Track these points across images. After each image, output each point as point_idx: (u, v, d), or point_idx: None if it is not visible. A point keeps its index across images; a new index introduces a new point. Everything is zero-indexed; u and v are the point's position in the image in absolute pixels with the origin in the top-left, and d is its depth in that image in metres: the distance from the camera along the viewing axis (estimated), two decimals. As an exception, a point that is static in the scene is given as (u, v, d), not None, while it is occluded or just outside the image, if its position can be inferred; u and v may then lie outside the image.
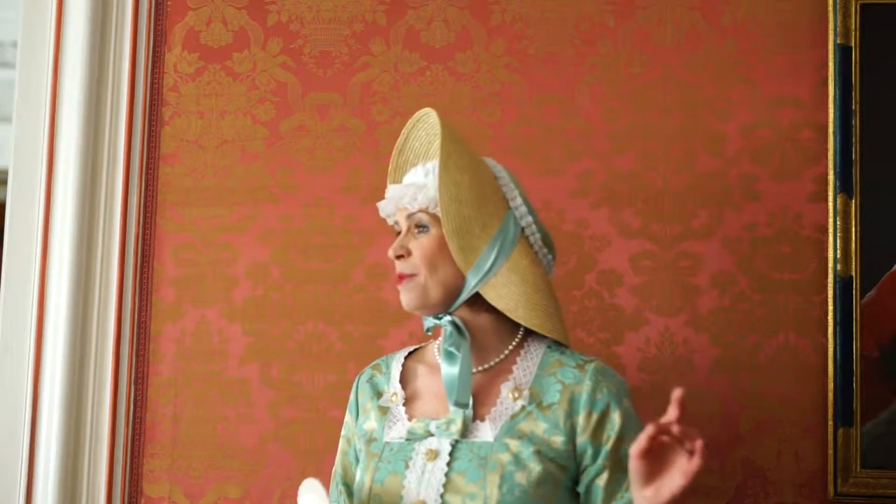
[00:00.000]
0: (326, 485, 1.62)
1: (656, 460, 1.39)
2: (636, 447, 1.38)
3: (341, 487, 1.74)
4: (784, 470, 2.03)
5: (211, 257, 2.23)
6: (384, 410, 1.69)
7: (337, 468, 1.77)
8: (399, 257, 1.66)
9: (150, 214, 2.25)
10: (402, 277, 1.66)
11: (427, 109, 1.73)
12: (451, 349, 1.62)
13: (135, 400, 2.21)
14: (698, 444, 1.33)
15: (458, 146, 1.65)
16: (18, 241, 2.24)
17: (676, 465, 1.37)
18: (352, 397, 1.77)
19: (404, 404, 1.67)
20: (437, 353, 1.71)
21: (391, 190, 1.72)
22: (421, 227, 1.66)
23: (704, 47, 2.14)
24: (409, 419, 1.64)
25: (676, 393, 1.35)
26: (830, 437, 2.00)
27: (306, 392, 2.17)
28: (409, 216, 1.67)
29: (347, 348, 2.17)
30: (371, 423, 1.70)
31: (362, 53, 2.24)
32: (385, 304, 2.17)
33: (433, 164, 1.67)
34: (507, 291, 1.62)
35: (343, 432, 1.78)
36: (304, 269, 2.20)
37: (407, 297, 1.65)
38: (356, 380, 1.78)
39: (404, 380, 1.72)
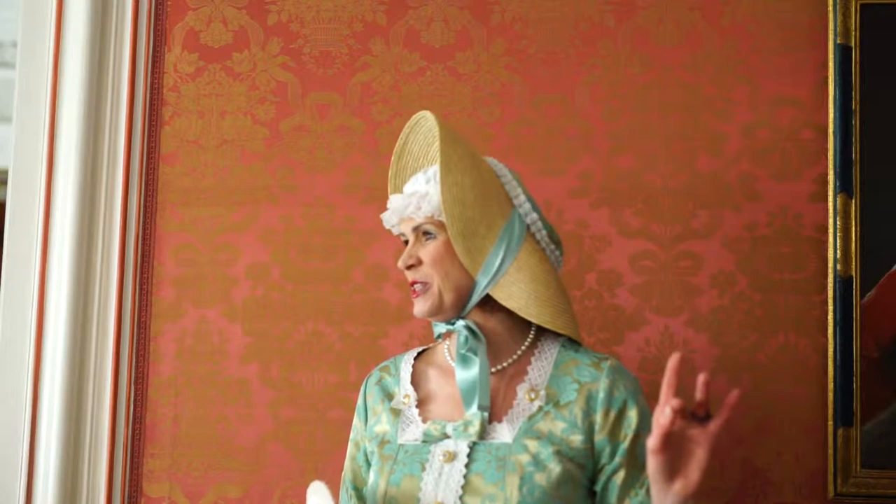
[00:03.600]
0: (330, 484, 1.61)
1: (675, 452, 1.34)
2: (653, 441, 1.33)
3: (352, 492, 1.73)
4: (784, 470, 2.03)
5: (211, 257, 2.23)
6: (396, 412, 1.67)
7: (346, 473, 1.76)
8: (409, 267, 1.65)
9: (150, 214, 2.25)
10: (415, 291, 1.65)
11: (423, 113, 1.72)
12: (468, 354, 1.61)
13: (135, 400, 2.21)
14: (732, 395, 1.30)
15: (457, 147, 1.63)
16: (18, 241, 2.24)
17: (693, 440, 1.33)
18: (360, 401, 1.76)
19: (417, 406, 1.67)
20: (447, 356, 1.71)
21: (393, 200, 1.70)
22: (427, 235, 1.66)
23: (704, 47, 2.14)
24: (423, 421, 1.64)
25: (673, 360, 1.33)
26: (830, 437, 2.00)
27: (306, 392, 2.17)
28: (415, 227, 1.66)
29: (347, 348, 2.17)
30: (383, 425, 1.68)
31: (362, 53, 2.24)
32: (385, 304, 2.17)
33: (434, 171, 1.66)
34: (517, 290, 1.61)
35: (351, 435, 1.77)
36: (304, 269, 2.20)
37: (422, 307, 1.65)
38: (364, 382, 1.77)
39: (415, 381, 1.71)
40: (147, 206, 2.25)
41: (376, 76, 2.23)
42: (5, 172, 2.31)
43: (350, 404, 2.14)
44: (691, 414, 1.34)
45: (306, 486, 2.13)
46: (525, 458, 1.54)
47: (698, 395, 1.33)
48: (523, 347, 1.67)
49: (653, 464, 1.35)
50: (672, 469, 1.34)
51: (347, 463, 1.76)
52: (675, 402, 1.31)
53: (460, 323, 1.64)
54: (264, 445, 2.17)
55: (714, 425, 1.32)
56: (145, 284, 2.24)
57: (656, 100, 2.14)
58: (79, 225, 2.20)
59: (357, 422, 1.76)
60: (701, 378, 1.32)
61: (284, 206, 2.22)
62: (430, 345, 1.81)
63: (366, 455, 1.72)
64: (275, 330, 2.19)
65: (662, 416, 1.32)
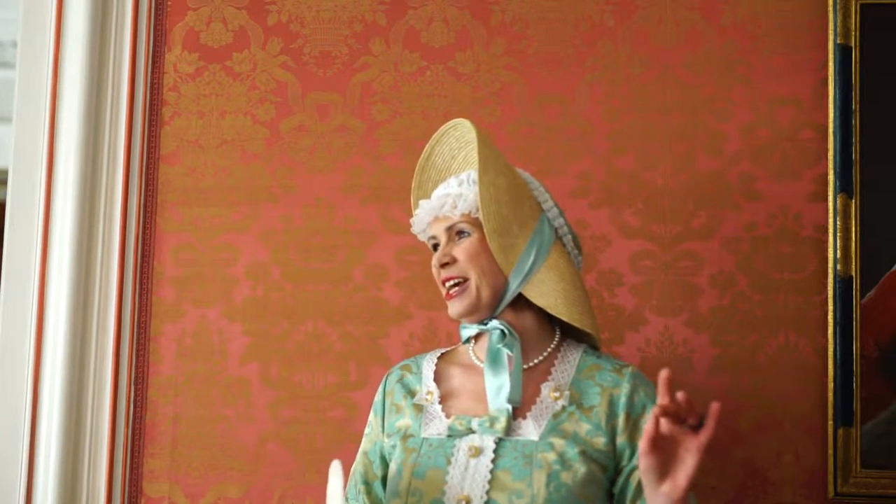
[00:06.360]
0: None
1: (667, 455, 1.42)
2: (642, 444, 1.41)
3: (360, 486, 1.74)
4: (784, 470, 2.03)
5: (211, 257, 2.23)
6: (419, 408, 1.69)
7: (357, 466, 1.77)
8: (444, 265, 1.68)
9: (150, 214, 2.25)
10: (450, 294, 1.68)
11: (456, 121, 1.77)
12: (504, 349, 1.65)
13: (135, 400, 2.21)
14: (713, 408, 1.37)
15: (493, 151, 1.70)
16: (18, 241, 2.24)
17: (684, 446, 1.40)
18: (378, 397, 1.78)
19: (440, 402, 1.69)
20: (472, 355, 1.74)
21: (425, 204, 1.75)
22: (461, 234, 1.70)
23: (704, 47, 2.14)
24: (447, 417, 1.66)
25: (663, 373, 1.39)
26: (830, 437, 2.00)
27: (306, 392, 2.17)
28: (449, 227, 1.70)
29: (347, 348, 2.17)
30: (406, 420, 1.70)
31: (362, 53, 2.24)
32: (385, 304, 2.17)
33: (467, 174, 1.72)
34: (547, 289, 1.66)
35: (366, 430, 1.79)
36: (304, 269, 2.20)
37: (459, 306, 1.68)
38: (383, 380, 1.79)
39: (438, 379, 1.73)
40: (147, 206, 2.25)
41: (376, 76, 2.23)
42: (5, 172, 2.31)
43: (350, 404, 2.14)
44: (683, 421, 1.40)
45: (306, 486, 2.14)
46: (552, 457, 1.56)
47: (682, 409, 1.40)
48: (550, 347, 1.71)
49: (643, 464, 1.43)
50: (663, 470, 1.42)
51: (359, 457, 1.77)
52: (656, 409, 1.39)
53: (494, 323, 1.68)
54: (264, 445, 2.17)
55: (703, 436, 1.39)
56: (145, 284, 2.24)
57: (656, 100, 2.14)
58: (79, 225, 2.20)
59: (373, 418, 1.77)
60: (679, 396, 1.39)
61: (284, 206, 2.22)
62: (452, 347, 1.82)
63: (381, 451, 1.73)
64: (275, 330, 2.19)
65: (654, 413, 1.40)
